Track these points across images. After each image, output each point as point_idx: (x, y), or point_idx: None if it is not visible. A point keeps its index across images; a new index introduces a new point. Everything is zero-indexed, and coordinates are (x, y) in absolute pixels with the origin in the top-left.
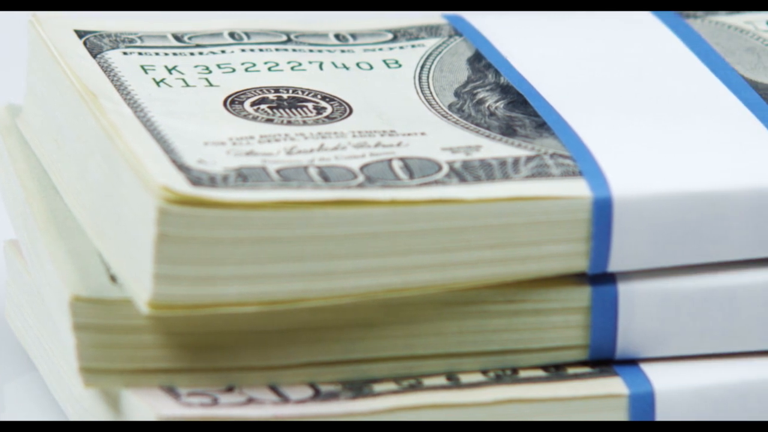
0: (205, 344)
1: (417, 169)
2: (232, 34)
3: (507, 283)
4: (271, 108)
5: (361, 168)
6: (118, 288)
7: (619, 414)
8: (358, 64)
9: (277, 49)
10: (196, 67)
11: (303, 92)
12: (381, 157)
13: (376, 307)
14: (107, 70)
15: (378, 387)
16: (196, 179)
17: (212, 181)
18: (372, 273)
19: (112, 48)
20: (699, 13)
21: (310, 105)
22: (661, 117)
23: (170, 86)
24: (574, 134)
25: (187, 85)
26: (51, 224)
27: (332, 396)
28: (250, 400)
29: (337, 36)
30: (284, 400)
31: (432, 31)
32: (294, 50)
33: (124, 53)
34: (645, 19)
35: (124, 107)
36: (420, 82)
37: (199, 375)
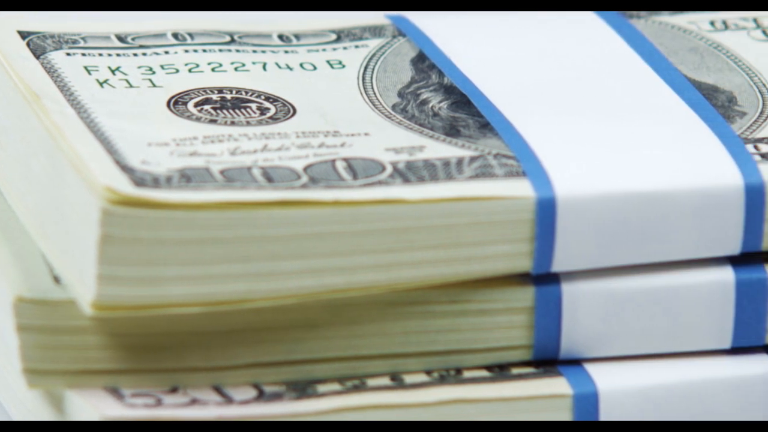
0: (149, 345)
1: (360, 170)
2: (175, 35)
3: (451, 283)
4: (214, 109)
5: (305, 169)
6: (62, 289)
7: (563, 414)
8: (301, 65)
9: (220, 50)
10: (139, 67)
11: (246, 93)
12: (324, 158)
13: (320, 308)
14: (51, 71)
15: (322, 387)
16: (139, 180)
17: (155, 182)
18: (316, 273)
19: (56, 49)
20: (642, 13)
21: (253, 106)
22: (605, 117)
23: (114, 87)
24: (517, 134)
25: (131, 86)
26: None
27: (276, 397)
28: (194, 401)
29: (280, 36)
30: (228, 400)
31: (375, 31)
32: (237, 51)
33: (68, 54)
34: (588, 19)
35: (67, 108)
36: (364, 83)
37: (142, 376)
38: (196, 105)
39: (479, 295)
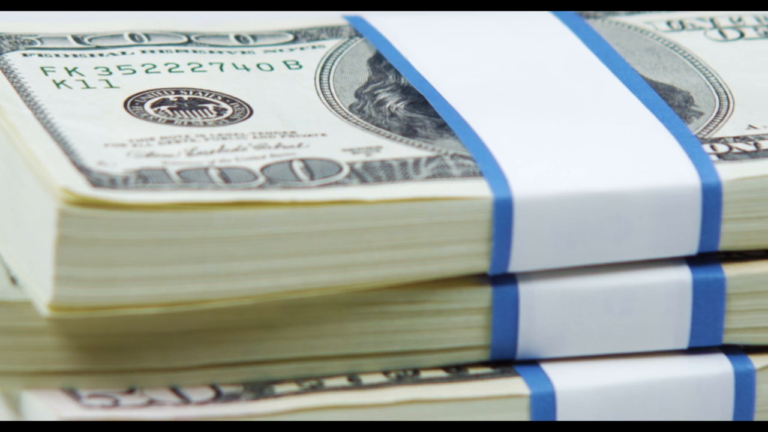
0: (106, 346)
1: (317, 170)
2: (132, 36)
3: (408, 283)
4: (171, 109)
5: (262, 169)
6: (19, 290)
7: (521, 414)
8: (258, 66)
9: (177, 51)
10: (96, 68)
11: (203, 93)
12: (281, 159)
13: (277, 309)
14: (7, 71)
15: (279, 388)
16: (96, 181)
17: (112, 183)
18: (273, 274)
19: (12, 50)
20: (599, 13)
21: (210, 106)
22: (562, 117)
23: (70, 88)
24: (474, 135)
25: (88, 87)
26: None
27: (233, 397)
28: (151, 402)
29: (237, 37)
30: (185, 401)
31: (332, 32)
32: (194, 51)
33: (24, 55)
34: (545, 19)
35: (24, 109)
36: (321, 83)
37: (99, 377)
38: (153, 106)
39: (436, 296)
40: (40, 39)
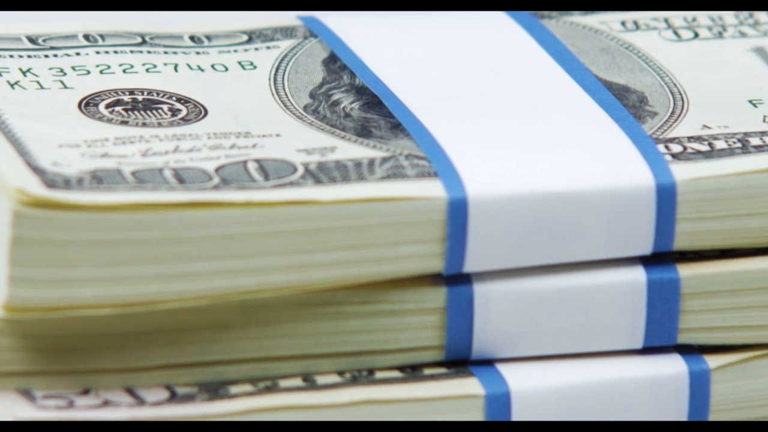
0: (61, 347)
1: (272, 171)
2: (86, 37)
3: (363, 284)
4: (125, 110)
5: (217, 170)
6: None
7: (476, 414)
8: (213, 66)
9: (131, 51)
10: (50, 69)
11: (158, 94)
12: (236, 159)
13: (232, 309)
14: None
15: (234, 389)
16: (50, 182)
17: (67, 184)
18: (227, 275)
19: None
20: (554, 13)
21: (165, 107)
22: (516, 117)
23: (24, 89)
24: (429, 135)
25: (42, 88)
26: None
27: (188, 398)
28: (106, 403)
29: (192, 38)
30: (140, 402)
31: (287, 32)
32: (149, 52)
33: None
34: (499, 19)
35: None
36: (275, 84)
37: (54, 378)
38: (108, 106)
39: (391, 296)
40: None
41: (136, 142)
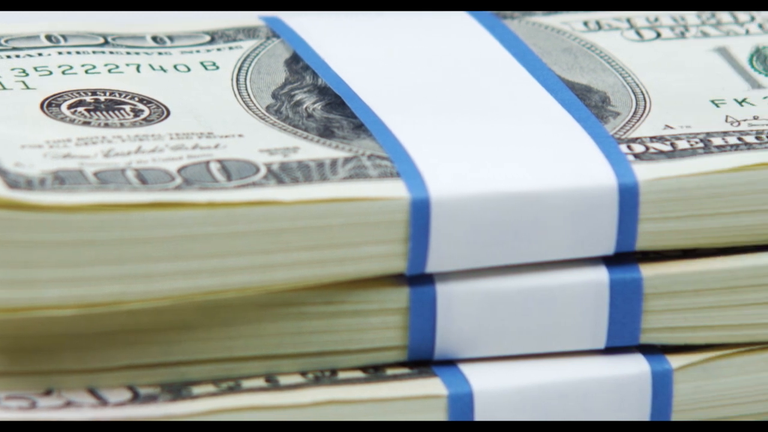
0: (23, 347)
1: (235, 171)
2: (48, 37)
3: (325, 284)
4: (88, 110)
5: (179, 170)
6: None
7: (438, 414)
8: (175, 67)
9: (94, 52)
10: (12, 69)
11: (120, 95)
12: (198, 159)
13: (195, 310)
14: None
15: (197, 389)
16: (12, 182)
17: (29, 184)
18: (190, 275)
19: None
20: (516, 13)
21: (127, 107)
22: (479, 118)
23: None
24: (391, 135)
25: (4, 88)
26: None
27: (151, 399)
28: (69, 403)
29: (154, 38)
30: (103, 402)
31: (249, 32)
32: (111, 53)
33: None
34: (462, 19)
35: None
36: (238, 84)
37: (16, 378)
38: (70, 107)
39: (354, 296)
40: None
41: (98, 143)
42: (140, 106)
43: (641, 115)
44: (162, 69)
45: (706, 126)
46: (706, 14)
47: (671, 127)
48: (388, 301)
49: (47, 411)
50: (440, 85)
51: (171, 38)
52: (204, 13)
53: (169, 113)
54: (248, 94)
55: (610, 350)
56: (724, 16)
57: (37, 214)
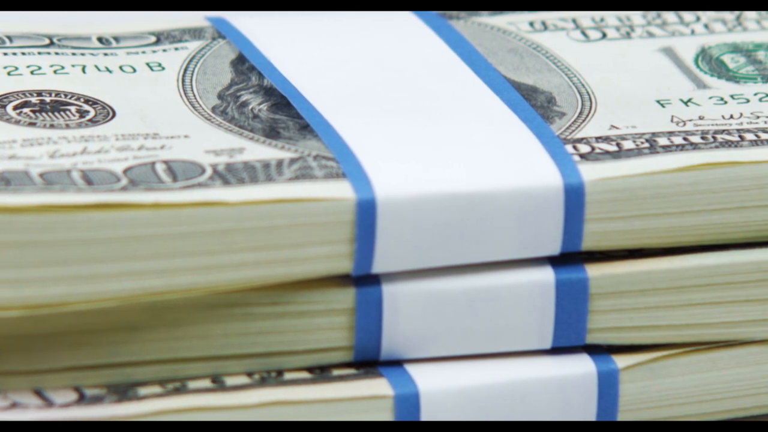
0: None
1: (180, 172)
2: None
3: (271, 285)
4: (33, 112)
5: (125, 171)
6: None
7: (384, 414)
8: (121, 68)
9: (39, 53)
10: None
11: (66, 96)
12: (144, 160)
13: (141, 311)
14: None
15: (143, 390)
16: None
17: None
18: (136, 276)
19: None
20: (462, 13)
21: (73, 108)
22: (425, 118)
23: None
24: (337, 136)
25: None
26: None
27: (97, 400)
28: (14, 405)
29: (100, 39)
30: (48, 404)
31: (195, 33)
32: (57, 54)
33: None
34: (407, 19)
35: None
36: (183, 85)
37: None
38: (15, 108)
39: (300, 297)
40: None
41: (44, 144)
42: (86, 107)
43: (587, 116)
44: (108, 70)
45: (652, 126)
46: (651, 14)
47: (617, 128)
48: (334, 302)
49: None
50: (386, 85)
51: (117, 39)
52: (150, 13)
53: (114, 114)
54: (194, 95)
55: (556, 350)
56: (670, 16)
57: None
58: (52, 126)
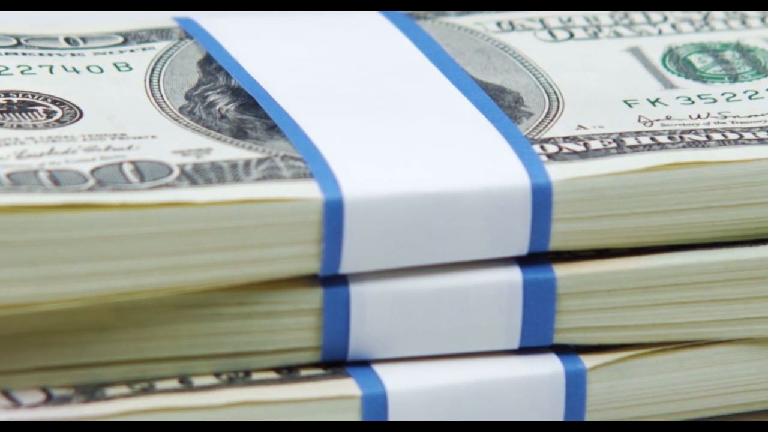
0: None
1: (148, 173)
2: None
3: (239, 285)
4: (0, 112)
5: (92, 171)
6: None
7: (352, 414)
8: (88, 68)
9: (6, 53)
10: None
11: (33, 96)
12: (111, 161)
13: (108, 311)
14: None
15: (111, 391)
16: None
17: None
18: (103, 276)
19: None
20: (429, 14)
21: (40, 109)
22: (392, 118)
23: None
24: (304, 136)
25: None
26: None
27: (64, 400)
28: None
29: (67, 39)
30: (16, 404)
31: (162, 34)
32: (24, 54)
33: None
34: (374, 19)
35: None
36: (151, 85)
37: None
38: None
39: (267, 297)
40: None
41: (11, 144)
42: (53, 107)
43: (554, 116)
44: (75, 70)
45: (619, 126)
46: (619, 14)
47: (584, 128)
48: (302, 302)
49: None
50: (353, 85)
51: (84, 39)
52: (117, 13)
53: (82, 114)
54: (161, 95)
55: (523, 350)
56: (637, 16)
57: None
58: (19, 126)
